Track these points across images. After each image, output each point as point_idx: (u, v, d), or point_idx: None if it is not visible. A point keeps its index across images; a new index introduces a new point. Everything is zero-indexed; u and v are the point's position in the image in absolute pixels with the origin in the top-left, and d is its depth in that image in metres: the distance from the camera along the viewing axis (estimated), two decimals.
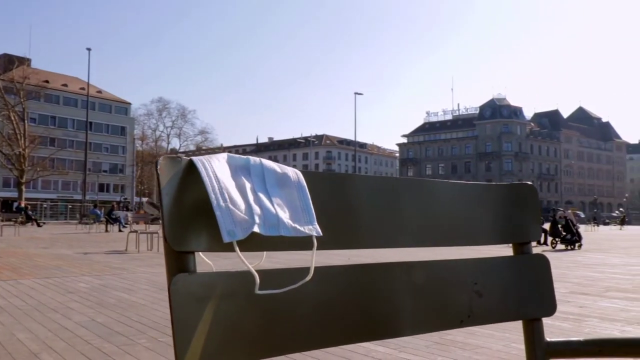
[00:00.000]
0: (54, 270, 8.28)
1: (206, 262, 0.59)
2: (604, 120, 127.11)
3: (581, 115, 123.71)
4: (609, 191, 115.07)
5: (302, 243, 0.58)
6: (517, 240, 0.81)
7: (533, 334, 0.78)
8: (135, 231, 12.68)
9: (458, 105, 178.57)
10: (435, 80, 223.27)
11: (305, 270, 0.58)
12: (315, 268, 0.59)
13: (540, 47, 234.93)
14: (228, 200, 0.54)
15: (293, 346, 0.58)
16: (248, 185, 0.57)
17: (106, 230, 24.75)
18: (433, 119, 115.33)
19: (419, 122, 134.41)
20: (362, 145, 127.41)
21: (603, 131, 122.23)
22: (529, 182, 0.85)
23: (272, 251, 0.58)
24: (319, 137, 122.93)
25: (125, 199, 58.97)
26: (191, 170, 0.55)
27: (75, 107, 78.93)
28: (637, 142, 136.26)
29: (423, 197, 0.73)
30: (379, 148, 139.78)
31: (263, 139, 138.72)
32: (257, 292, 0.54)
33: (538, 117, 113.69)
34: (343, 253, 12.22)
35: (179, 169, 0.54)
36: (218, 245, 0.54)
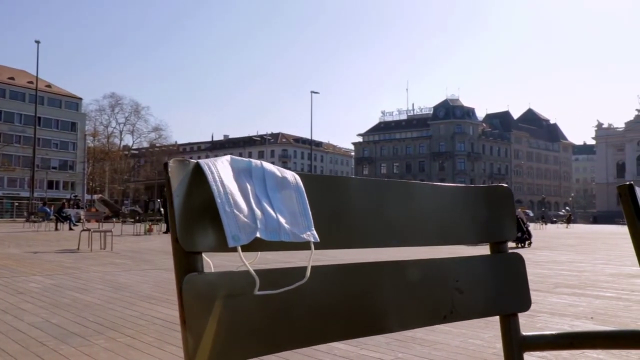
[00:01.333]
0: (1, 270, 8.00)
1: (206, 261, 0.60)
2: (552, 122, 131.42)
3: (530, 116, 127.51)
4: (556, 190, 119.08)
5: (299, 245, 0.60)
6: (494, 240, 0.86)
7: (510, 328, 0.82)
8: (88, 230, 12.37)
9: (413, 105, 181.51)
10: (391, 81, 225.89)
11: (302, 270, 0.60)
12: (302, 268, 0.61)
13: (491, 49, 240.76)
14: (232, 204, 0.56)
15: (294, 343, 0.60)
16: (250, 189, 0.59)
17: (56, 229, 24.02)
18: (388, 118, 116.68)
19: (374, 122, 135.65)
20: (318, 144, 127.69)
21: (551, 132, 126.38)
22: (504, 184, 0.89)
23: (270, 251, 0.60)
24: (275, 135, 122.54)
25: (76, 196, 57.29)
26: (198, 174, 0.56)
27: (23, 101, 76.17)
28: (582, 143, 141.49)
29: (408, 199, 0.76)
30: (334, 147, 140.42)
31: (218, 137, 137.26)
32: (256, 292, 0.56)
33: (490, 118, 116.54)
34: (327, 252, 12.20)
35: (187, 172, 0.56)
36: (224, 246, 0.55)
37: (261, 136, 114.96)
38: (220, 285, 0.57)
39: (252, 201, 0.58)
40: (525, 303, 0.85)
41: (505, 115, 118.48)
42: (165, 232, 20.99)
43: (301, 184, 0.63)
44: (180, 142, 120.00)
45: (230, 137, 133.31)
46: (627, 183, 1.05)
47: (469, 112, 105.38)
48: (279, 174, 0.63)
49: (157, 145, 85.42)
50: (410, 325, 0.71)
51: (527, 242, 15.90)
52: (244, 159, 0.62)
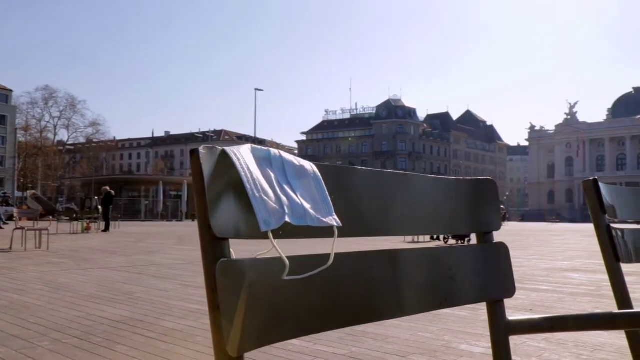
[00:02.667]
0: None
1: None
2: (488, 123, 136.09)
3: (469, 118, 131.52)
4: None
5: (321, 232, 0.62)
6: (481, 230, 0.90)
7: (496, 313, 0.87)
8: (22, 228, 11.83)
9: (356, 104, 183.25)
10: (335, 80, 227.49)
11: (324, 257, 0.62)
12: (325, 255, 0.63)
13: (432, 51, 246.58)
14: (261, 190, 0.56)
15: (316, 327, 0.62)
16: (272, 176, 0.60)
17: None
18: (332, 117, 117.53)
19: (318, 120, 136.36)
20: (262, 142, 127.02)
21: (488, 134, 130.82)
22: (490, 178, 0.94)
23: (295, 239, 0.61)
24: (218, 133, 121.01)
25: (5, 193, 54.56)
26: (224, 161, 0.57)
27: None
28: (516, 144, 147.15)
29: (408, 190, 0.79)
30: (278, 145, 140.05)
31: (159, 133, 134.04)
32: (285, 277, 0.57)
33: (430, 118, 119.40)
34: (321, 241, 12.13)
35: (215, 159, 0.56)
36: (254, 232, 0.56)
37: (203, 133, 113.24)
38: (251, 270, 0.57)
39: (277, 188, 0.59)
40: (510, 289, 0.90)
41: (445, 116, 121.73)
42: (104, 231, 20.35)
43: (318, 172, 0.64)
44: (119, 137, 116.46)
45: (172, 133, 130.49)
46: (592, 178, 1.12)
47: (411, 113, 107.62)
48: (296, 162, 0.64)
49: (95, 140, 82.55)
50: (413, 311, 0.74)
51: (465, 239, 16.40)
52: (263, 147, 0.63)
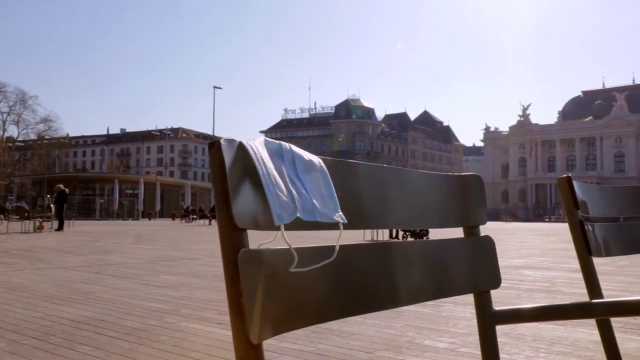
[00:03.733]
0: None
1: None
2: (445, 124, 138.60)
3: (426, 118, 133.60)
4: None
5: (327, 226, 0.63)
6: (468, 224, 0.94)
7: (483, 304, 0.90)
8: None
9: (315, 104, 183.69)
10: (294, 79, 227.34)
11: (329, 249, 0.64)
12: (329, 247, 0.65)
13: (391, 52, 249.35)
14: (275, 185, 0.58)
15: (328, 315, 0.63)
16: (284, 170, 0.61)
17: None
18: (291, 116, 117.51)
19: (277, 119, 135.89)
20: None
21: (444, 134, 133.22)
22: (477, 174, 0.97)
23: (301, 231, 0.63)
24: (175, 130, 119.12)
25: None
26: (242, 153, 0.58)
27: None
28: (472, 145, 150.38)
29: (402, 184, 0.82)
30: None
31: (115, 130, 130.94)
32: (292, 270, 0.58)
33: (388, 118, 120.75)
34: (308, 233, 12.04)
35: (234, 151, 0.57)
36: (270, 224, 0.57)
37: (160, 131, 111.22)
38: (270, 260, 0.59)
39: (288, 182, 0.60)
40: (496, 281, 0.93)
41: (403, 116, 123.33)
42: (58, 230, 19.79)
43: (325, 167, 0.66)
44: (72, 134, 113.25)
45: (128, 130, 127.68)
46: (565, 176, 1.18)
47: (369, 113, 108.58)
48: (305, 157, 0.65)
49: (47, 137, 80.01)
50: (409, 302, 0.77)
51: (424, 237, 16.70)
52: (275, 140, 0.64)
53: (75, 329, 3.86)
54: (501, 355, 3.40)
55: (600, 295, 1.16)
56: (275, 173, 0.59)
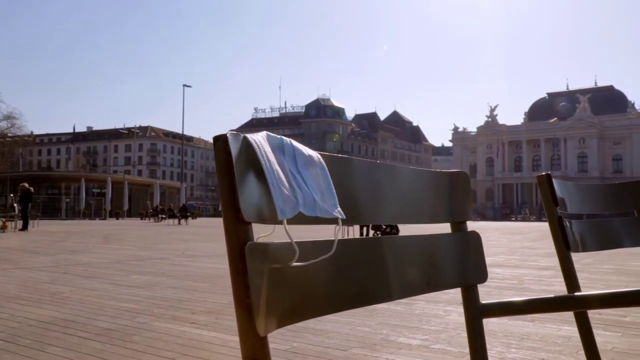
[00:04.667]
0: None
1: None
2: (414, 124, 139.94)
3: (395, 118, 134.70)
4: None
5: (326, 220, 0.64)
6: (455, 220, 0.96)
7: (471, 297, 0.92)
8: None
9: (285, 103, 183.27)
10: (264, 78, 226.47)
11: (329, 243, 0.64)
12: (329, 241, 0.65)
13: (361, 53, 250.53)
14: (278, 179, 0.58)
15: (329, 308, 0.64)
16: (286, 165, 0.61)
17: None
18: (261, 115, 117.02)
19: (247, 118, 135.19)
20: (189, 139, 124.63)
21: (413, 134, 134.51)
22: (463, 171, 0.99)
23: (301, 225, 0.63)
24: (144, 129, 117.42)
25: None
26: (247, 147, 0.58)
27: None
28: (441, 145, 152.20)
29: (395, 181, 0.83)
30: (206, 142, 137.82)
31: (81, 128, 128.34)
32: (293, 264, 0.59)
33: (358, 118, 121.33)
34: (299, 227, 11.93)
35: (239, 145, 0.57)
36: (272, 218, 0.58)
37: (129, 129, 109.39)
38: (276, 253, 0.59)
39: (290, 177, 0.60)
40: (483, 275, 0.96)
41: (373, 116, 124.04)
42: (22, 230, 19.32)
43: (324, 162, 0.67)
44: (37, 132, 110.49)
45: (95, 128, 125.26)
46: (545, 174, 1.21)
47: (339, 112, 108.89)
48: (305, 152, 0.66)
49: (9, 135, 77.90)
50: (402, 295, 0.78)
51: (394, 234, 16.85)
52: (277, 135, 0.64)
53: (44, 330, 3.78)
54: None
55: (579, 289, 1.20)
56: (277, 168, 0.59)
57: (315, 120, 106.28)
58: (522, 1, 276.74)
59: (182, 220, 35.51)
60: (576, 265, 1.30)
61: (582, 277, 6.00)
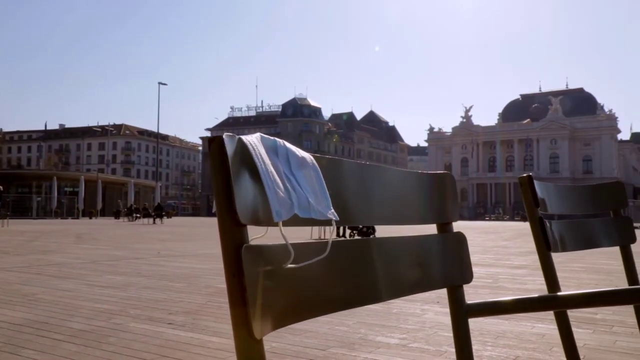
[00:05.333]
0: None
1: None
2: (390, 124, 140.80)
3: (372, 118, 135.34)
4: None
5: (320, 222, 0.64)
6: (441, 221, 0.97)
7: (456, 297, 0.93)
8: None
9: (262, 102, 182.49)
10: (240, 77, 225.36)
11: (323, 245, 0.65)
12: (323, 243, 0.65)
13: (338, 53, 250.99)
14: (273, 181, 0.58)
15: (322, 309, 0.64)
16: (280, 167, 0.61)
17: None
18: (237, 114, 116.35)
19: (223, 117, 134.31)
20: (164, 137, 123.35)
21: (389, 134, 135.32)
22: (449, 173, 1.00)
23: (295, 227, 0.64)
24: (118, 127, 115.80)
25: None
26: (242, 149, 0.58)
27: None
28: (416, 145, 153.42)
29: (384, 182, 0.83)
30: (181, 141, 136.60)
31: (53, 125, 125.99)
32: (288, 266, 0.59)
33: (335, 117, 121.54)
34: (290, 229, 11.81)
35: (235, 147, 0.57)
36: (268, 220, 0.58)
37: (102, 127, 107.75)
38: (271, 255, 0.59)
39: (285, 179, 0.60)
40: (468, 276, 0.97)
41: (349, 116, 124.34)
42: None
43: (316, 164, 0.67)
44: (6, 129, 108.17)
45: (67, 126, 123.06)
46: (526, 175, 1.23)
47: (316, 112, 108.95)
48: (298, 153, 0.66)
49: None
50: (391, 296, 0.79)
51: (371, 235, 16.94)
52: (270, 137, 0.64)
53: (16, 333, 3.70)
54: (449, 349, 3.49)
55: (559, 289, 1.22)
56: (272, 169, 0.59)
57: (292, 120, 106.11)
58: (498, 5, 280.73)
59: (157, 220, 35.13)
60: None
61: (565, 276, 6.12)
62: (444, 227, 0.97)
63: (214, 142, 0.56)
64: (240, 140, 0.58)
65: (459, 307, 0.92)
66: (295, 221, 0.60)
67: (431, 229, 0.99)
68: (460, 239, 0.98)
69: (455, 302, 0.92)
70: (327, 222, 0.64)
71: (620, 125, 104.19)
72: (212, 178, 0.54)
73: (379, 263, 0.76)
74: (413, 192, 0.91)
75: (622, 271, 1.56)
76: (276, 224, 0.57)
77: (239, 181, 0.55)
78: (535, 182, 1.21)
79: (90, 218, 44.64)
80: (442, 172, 0.98)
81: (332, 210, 0.65)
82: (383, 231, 17.86)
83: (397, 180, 0.87)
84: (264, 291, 0.56)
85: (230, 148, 0.56)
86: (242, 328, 0.54)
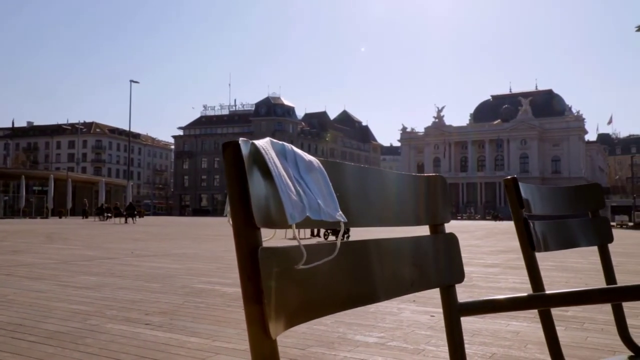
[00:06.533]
0: None
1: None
2: (364, 124, 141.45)
3: (345, 118, 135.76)
4: None
5: (328, 224, 0.66)
6: (434, 222, 0.99)
7: (449, 297, 0.96)
8: None
9: (235, 101, 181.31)
10: (213, 75, 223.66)
11: (332, 246, 0.66)
12: (332, 244, 0.67)
13: (311, 52, 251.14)
14: (286, 185, 0.59)
15: (329, 309, 0.66)
16: (290, 171, 0.62)
17: None
18: (210, 113, 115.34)
19: (195, 115, 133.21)
20: (136, 136, 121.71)
21: (363, 134, 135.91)
22: (441, 175, 1.03)
23: (304, 228, 0.65)
24: (88, 125, 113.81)
25: None
26: (255, 153, 0.59)
27: None
28: (389, 145, 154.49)
29: (382, 185, 0.86)
30: (153, 139, 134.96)
31: (21, 123, 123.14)
32: (300, 267, 0.60)
33: (308, 117, 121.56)
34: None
35: (249, 152, 0.58)
36: (282, 223, 0.59)
37: (72, 125, 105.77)
38: (284, 257, 0.60)
39: (295, 182, 0.62)
40: (460, 276, 0.99)
41: (323, 115, 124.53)
42: None
43: (322, 167, 0.68)
44: None
45: (36, 124, 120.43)
46: (511, 177, 1.26)
47: (289, 111, 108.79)
48: (305, 157, 0.67)
49: None
50: (390, 296, 0.81)
51: (345, 236, 16.99)
52: (278, 141, 0.65)
53: None
54: (427, 347, 3.54)
55: (543, 288, 1.26)
56: (284, 173, 0.61)
57: (265, 119, 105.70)
58: (471, 7, 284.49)
59: (129, 219, 34.66)
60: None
61: (523, 275, 6.25)
62: (437, 228, 0.99)
63: (229, 147, 0.57)
64: (253, 144, 0.59)
65: (451, 306, 0.95)
66: (305, 223, 0.62)
67: (423, 230, 1.02)
68: (452, 239, 1.00)
69: (448, 301, 0.95)
70: (336, 224, 0.66)
71: (587, 127, 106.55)
72: (228, 182, 0.55)
73: (380, 263, 0.78)
74: (409, 195, 0.93)
75: (590, 269, 1.61)
76: (290, 226, 0.59)
77: (253, 185, 0.56)
78: (520, 184, 1.25)
79: (60, 217, 43.82)
80: (434, 174, 1.01)
81: (340, 212, 0.67)
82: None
83: (394, 182, 0.89)
84: (279, 291, 0.57)
85: (244, 153, 0.57)
86: (257, 328, 0.55)
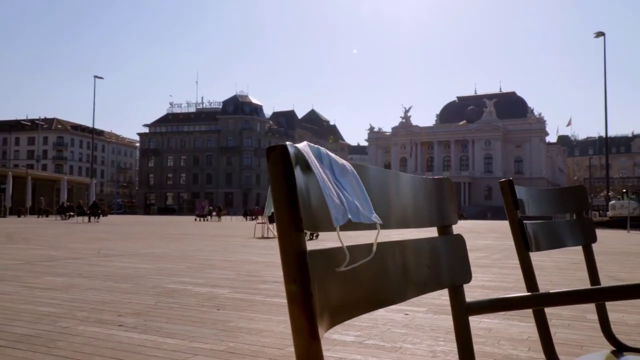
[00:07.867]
0: None
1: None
2: (331, 123, 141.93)
3: (313, 117, 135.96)
4: None
5: (365, 226, 0.67)
6: (442, 224, 1.01)
7: (457, 297, 0.98)
8: None
9: (202, 98, 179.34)
10: (180, 72, 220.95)
11: (368, 247, 0.68)
12: (368, 245, 0.69)
13: (279, 51, 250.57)
14: (329, 188, 0.60)
15: (359, 310, 0.67)
16: (328, 175, 0.63)
17: None
18: (177, 110, 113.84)
19: (162, 113, 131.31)
20: (100, 133, 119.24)
21: (330, 133, 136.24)
22: (449, 177, 1.05)
23: (346, 232, 0.66)
24: (49, 121, 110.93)
25: None
26: (299, 158, 0.59)
27: None
28: (357, 144, 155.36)
29: (398, 187, 0.87)
30: (118, 137, 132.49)
31: None
32: (343, 268, 0.62)
33: (276, 116, 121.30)
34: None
35: (294, 156, 0.58)
36: (327, 226, 0.60)
37: (32, 121, 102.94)
38: (327, 259, 0.61)
39: (334, 186, 0.62)
40: (468, 276, 1.02)
41: (291, 114, 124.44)
42: None
43: (355, 171, 0.69)
44: None
45: None
46: (507, 179, 1.29)
47: (257, 109, 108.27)
48: (339, 161, 0.68)
49: None
50: (409, 296, 0.82)
51: (314, 235, 17.02)
52: (313, 145, 0.66)
53: None
54: (404, 345, 3.58)
55: (537, 287, 1.30)
56: (325, 178, 0.61)
57: (233, 117, 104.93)
58: (437, 9, 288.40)
59: (93, 218, 33.95)
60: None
61: (505, 272, 6.38)
62: (445, 229, 1.01)
63: (275, 150, 0.57)
64: (297, 149, 0.60)
65: (459, 305, 0.97)
66: (345, 226, 0.63)
67: (427, 231, 1.03)
68: (460, 240, 1.03)
69: (456, 301, 0.97)
70: (372, 227, 0.67)
71: (548, 128, 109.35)
72: (273, 185, 0.56)
73: (402, 264, 0.80)
74: (422, 197, 0.95)
75: (568, 268, 1.67)
76: (334, 229, 0.60)
77: (300, 189, 0.56)
78: (515, 186, 1.28)
79: (19, 217, 42.64)
80: (442, 177, 1.03)
81: (375, 215, 0.68)
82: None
83: (409, 185, 0.91)
84: (323, 293, 0.58)
85: (289, 157, 0.57)
86: (302, 329, 0.55)
